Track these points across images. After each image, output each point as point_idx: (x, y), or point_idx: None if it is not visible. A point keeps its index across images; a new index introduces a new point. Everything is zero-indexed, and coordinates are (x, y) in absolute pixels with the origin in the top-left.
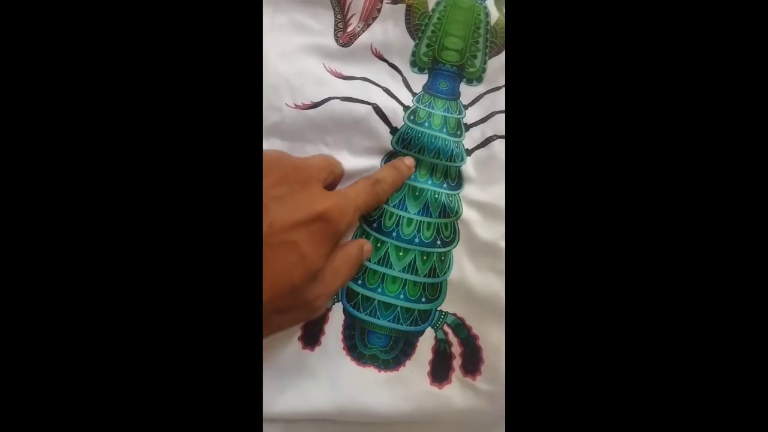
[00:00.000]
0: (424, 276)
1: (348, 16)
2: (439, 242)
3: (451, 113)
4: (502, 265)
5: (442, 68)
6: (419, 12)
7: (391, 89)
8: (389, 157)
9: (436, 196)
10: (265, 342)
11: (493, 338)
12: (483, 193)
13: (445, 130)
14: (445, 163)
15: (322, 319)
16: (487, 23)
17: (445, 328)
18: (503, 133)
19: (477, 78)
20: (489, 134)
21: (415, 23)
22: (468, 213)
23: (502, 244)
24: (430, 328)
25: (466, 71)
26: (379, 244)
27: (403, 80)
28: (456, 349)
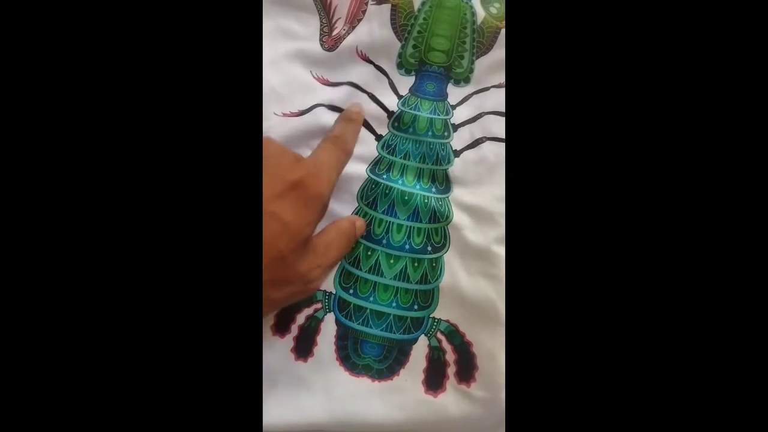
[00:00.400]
0: (416, 283)
1: (333, 20)
2: (429, 248)
3: (438, 114)
4: (494, 270)
5: (429, 69)
6: (405, 12)
7: (378, 93)
8: (376, 163)
9: (426, 200)
10: None
11: (487, 344)
12: (473, 196)
13: (430, 133)
14: (431, 167)
15: (315, 330)
16: (474, 23)
17: (439, 335)
18: (493, 135)
19: (464, 78)
20: (478, 135)
21: (401, 23)
22: (459, 217)
23: (494, 248)
24: (423, 335)
25: (453, 72)
26: (369, 253)
27: (389, 83)
28: (450, 356)
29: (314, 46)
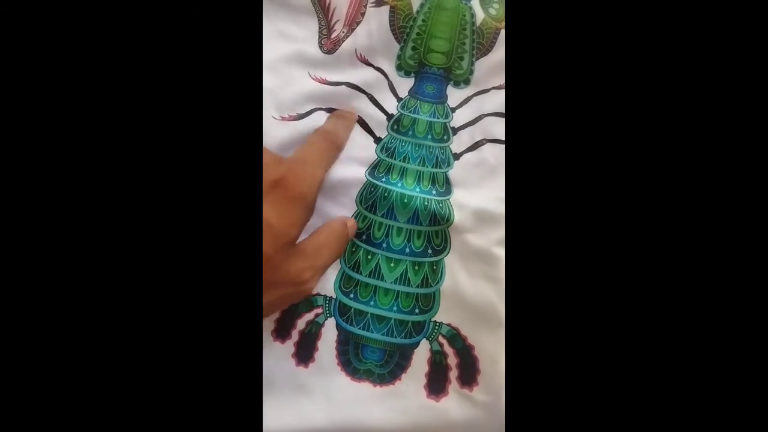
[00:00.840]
0: (417, 286)
1: (332, 22)
2: (430, 251)
3: (438, 117)
4: (495, 272)
5: (429, 71)
6: (403, 13)
7: (377, 95)
8: (375, 166)
9: (426, 203)
10: None
11: (488, 347)
12: (473, 198)
13: (430, 136)
14: (430, 170)
15: (316, 336)
16: (473, 24)
17: (440, 339)
18: (493, 137)
19: (464, 80)
20: (478, 138)
21: (400, 25)
22: (459, 219)
23: (495, 250)
24: (425, 339)
25: (453, 74)
26: (369, 257)
27: (389, 85)
28: (452, 360)
29: (313, 48)
